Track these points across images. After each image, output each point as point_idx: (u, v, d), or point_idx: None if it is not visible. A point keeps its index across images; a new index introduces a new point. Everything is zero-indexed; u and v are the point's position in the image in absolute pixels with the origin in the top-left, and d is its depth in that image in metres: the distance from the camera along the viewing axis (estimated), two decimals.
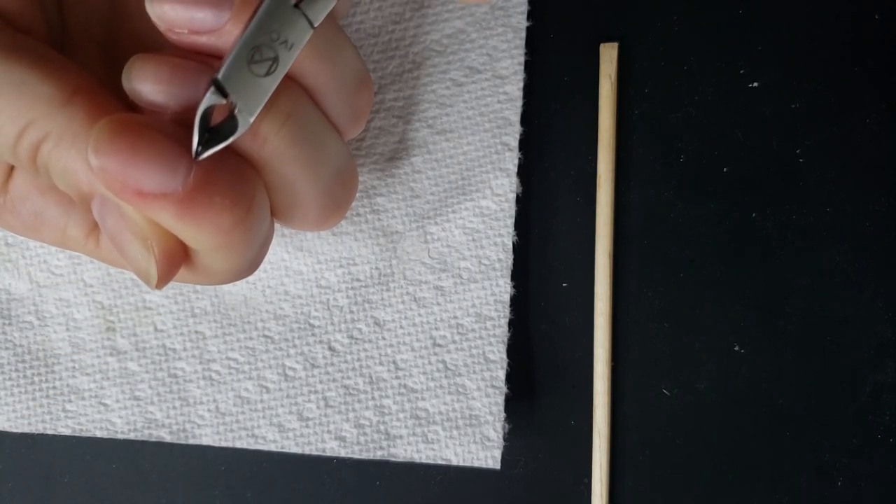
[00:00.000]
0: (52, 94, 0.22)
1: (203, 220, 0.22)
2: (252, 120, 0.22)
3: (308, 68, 0.24)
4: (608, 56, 0.33)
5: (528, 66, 0.33)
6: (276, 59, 0.22)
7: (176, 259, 0.24)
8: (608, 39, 0.33)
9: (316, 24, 0.22)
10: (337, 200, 0.26)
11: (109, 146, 0.21)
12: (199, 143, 0.22)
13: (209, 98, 0.22)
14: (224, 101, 0.22)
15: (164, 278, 0.23)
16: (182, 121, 0.22)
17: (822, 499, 0.32)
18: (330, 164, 0.25)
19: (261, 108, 0.22)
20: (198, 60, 0.23)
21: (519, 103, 0.32)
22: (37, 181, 0.25)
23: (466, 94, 0.32)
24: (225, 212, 0.22)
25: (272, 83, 0.22)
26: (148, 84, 0.22)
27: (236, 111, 0.22)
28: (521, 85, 0.32)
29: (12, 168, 0.25)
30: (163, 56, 0.23)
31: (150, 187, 0.21)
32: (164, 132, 0.22)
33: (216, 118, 0.22)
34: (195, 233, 0.22)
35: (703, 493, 0.32)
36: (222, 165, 0.22)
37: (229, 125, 0.22)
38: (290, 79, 0.23)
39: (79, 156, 0.22)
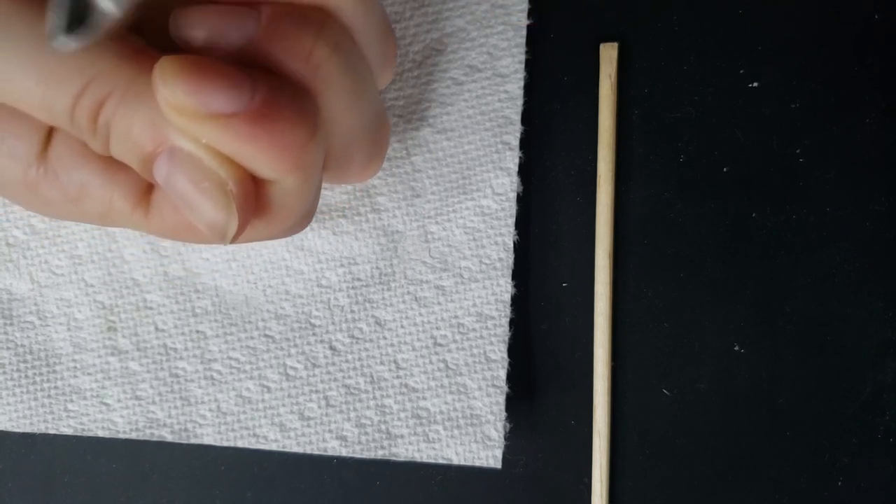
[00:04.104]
0: (117, 50, 0.22)
1: (278, 133, 0.22)
2: (114, 9, 0.20)
3: (346, 7, 0.24)
4: (608, 56, 0.33)
5: (529, 65, 0.33)
6: None
7: (251, 202, 0.24)
8: (608, 39, 0.33)
9: None
10: (377, 143, 0.27)
11: (175, 75, 0.21)
12: (59, 23, 0.20)
13: None
14: None
15: (242, 225, 0.24)
16: (233, 60, 0.23)
17: (822, 499, 0.32)
18: (371, 101, 0.26)
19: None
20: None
21: (520, 102, 0.32)
22: (80, 149, 0.25)
23: (467, 92, 0.32)
24: (297, 125, 0.23)
25: None
26: (197, 28, 0.23)
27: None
28: (521, 84, 0.32)
29: (50, 135, 0.25)
30: (206, 5, 0.23)
31: (221, 107, 0.22)
32: (222, 63, 0.22)
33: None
34: (273, 150, 0.23)
35: (703, 493, 0.32)
36: (283, 86, 0.23)
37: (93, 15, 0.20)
38: (332, 14, 0.24)
39: (146, 112, 0.22)
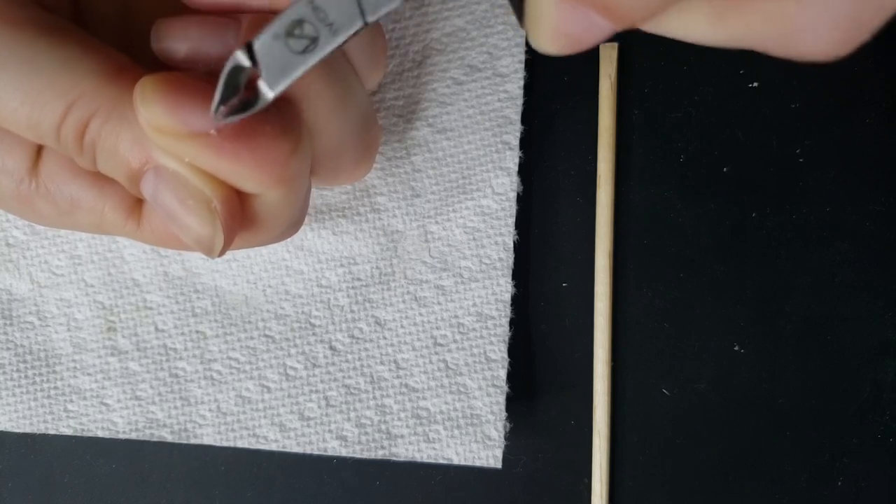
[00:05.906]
0: (100, 70, 0.22)
1: (260, 150, 0.22)
2: (272, 97, 0.21)
3: None
4: (608, 56, 0.33)
5: (529, 65, 0.33)
6: (315, 40, 0.21)
7: (237, 217, 0.24)
8: (608, 39, 0.33)
9: (369, 20, 0.21)
10: (366, 145, 0.27)
11: (155, 95, 0.21)
12: (220, 101, 0.21)
13: (236, 57, 0.21)
14: (248, 66, 0.21)
15: (228, 240, 0.24)
16: (215, 74, 0.22)
17: (822, 499, 0.32)
18: (357, 106, 0.26)
19: (284, 85, 0.21)
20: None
21: (519, 102, 0.32)
22: (70, 163, 0.25)
23: (467, 92, 0.32)
24: (278, 139, 0.23)
25: (304, 63, 0.21)
26: (178, 41, 0.23)
27: (259, 82, 0.21)
28: (521, 83, 0.32)
29: (40, 151, 0.25)
30: (187, 16, 0.23)
31: (201, 125, 0.22)
32: (202, 79, 0.22)
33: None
34: (255, 166, 0.23)
35: (703, 493, 0.32)
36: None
37: (253, 98, 0.21)
38: None
39: (130, 130, 0.22)
